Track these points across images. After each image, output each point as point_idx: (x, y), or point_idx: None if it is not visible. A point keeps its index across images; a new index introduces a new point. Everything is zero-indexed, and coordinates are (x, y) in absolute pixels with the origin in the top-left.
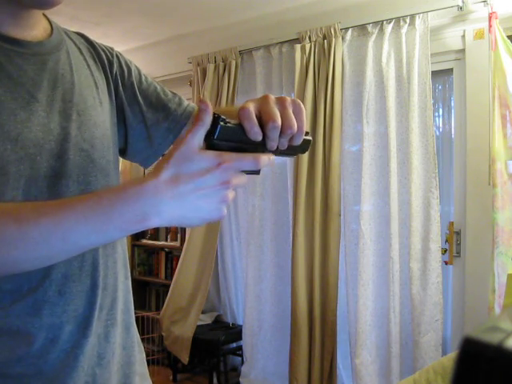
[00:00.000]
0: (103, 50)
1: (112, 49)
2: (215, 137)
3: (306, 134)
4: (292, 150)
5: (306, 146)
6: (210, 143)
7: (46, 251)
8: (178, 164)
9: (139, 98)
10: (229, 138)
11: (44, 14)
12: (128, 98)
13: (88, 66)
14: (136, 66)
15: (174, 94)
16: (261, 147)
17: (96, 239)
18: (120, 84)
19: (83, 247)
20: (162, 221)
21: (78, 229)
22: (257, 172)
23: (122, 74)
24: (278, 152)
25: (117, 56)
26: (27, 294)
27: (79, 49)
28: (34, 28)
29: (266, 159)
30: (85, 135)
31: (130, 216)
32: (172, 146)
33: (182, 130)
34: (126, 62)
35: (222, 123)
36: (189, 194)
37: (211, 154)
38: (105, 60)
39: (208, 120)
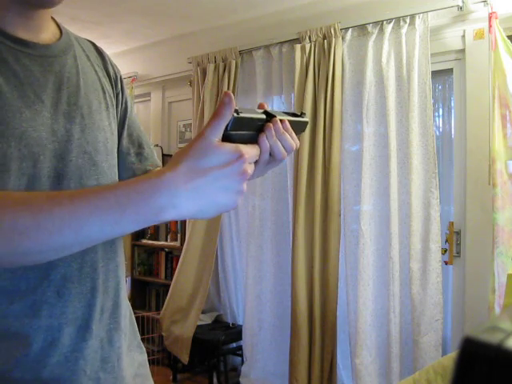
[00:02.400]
0: (111, 65)
1: (118, 68)
2: (229, 128)
3: (303, 115)
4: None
5: (303, 127)
6: (225, 135)
7: (59, 243)
8: (196, 157)
9: (126, 123)
10: (241, 128)
11: (54, 20)
12: (119, 118)
13: (95, 71)
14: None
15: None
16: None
17: (110, 231)
18: (118, 101)
19: (97, 239)
20: (179, 214)
21: (93, 221)
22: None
23: (122, 93)
24: None
25: (120, 77)
26: (25, 294)
27: (87, 55)
28: (43, 31)
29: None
30: (88, 138)
31: (146, 208)
32: (192, 139)
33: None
34: (124, 87)
35: (235, 114)
36: (207, 186)
37: (230, 147)
38: (111, 73)
39: (229, 114)
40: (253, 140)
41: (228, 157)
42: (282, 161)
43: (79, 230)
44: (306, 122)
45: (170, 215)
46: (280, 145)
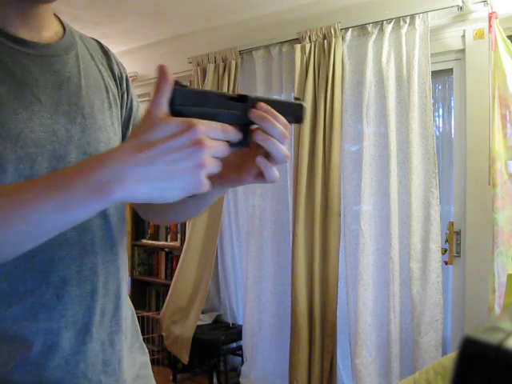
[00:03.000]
0: (117, 64)
1: (124, 67)
2: (174, 102)
3: (298, 100)
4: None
5: (299, 112)
6: (173, 110)
7: (11, 236)
8: (141, 133)
9: (131, 123)
10: (193, 103)
11: (58, 18)
12: (123, 118)
13: (99, 70)
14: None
15: None
16: (242, 117)
17: (59, 218)
18: (123, 101)
19: (49, 230)
20: (129, 192)
21: (39, 207)
22: (246, 144)
23: (128, 93)
24: None
25: (126, 77)
26: (24, 297)
27: (91, 54)
28: (43, 29)
29: (235, 133)
30: (89, 139)
31: (91, 186)
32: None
33: None
34: (130, 86)
35: (177, 87)
36: (155, 159)
37: (177, 119)
38: (116, 73)
39: (166, 86)
40: (226, 121)
41: (175, 128)
42: (275, 152)
43: (27, 220)
44: (299, 106)
45: (119, 192)
46: (266, 133)
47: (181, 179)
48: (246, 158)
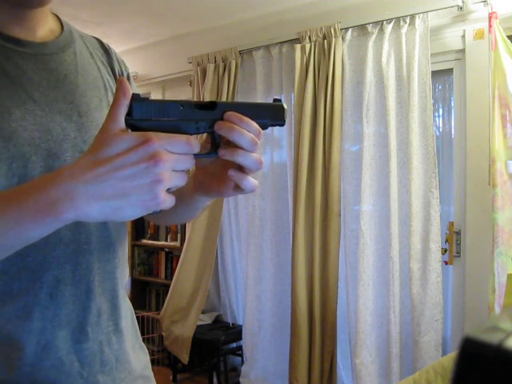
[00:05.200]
0: (118, 61)
1: (126, 65)
2: (132, 116)
3: (277, 100)
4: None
5: (278, 114)
6: (131, 125)
7: None
8: (95, 149)
9: None
10: (153, 116)
11: (57, 16)
12: None
13: (98, 68)
14: None
15: None
16: (209, 125)
17: (12, 236)
18: None
19: (5, 246)
20: (80, 210)
21: None
22: (214, 153)
23: None
24: None
25: (128, 75)
26: (17, 296)
27: (90, 52)
28: (38, 28)
29: (196, 144)
30: (85, 137)
31: (41, 204)
32: None
33: None
34: (131, 84)
35: (135, 100)
36: (107, 175)
37: (133, 134)
38: (117, 71)
39: (123, 99)
40: (192, 131)
41: (130, 143)
42: (245, 163)
43: None
44: (279, 107)
45: (70, 211)
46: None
47: (137, 196)
48: (225, 169)
